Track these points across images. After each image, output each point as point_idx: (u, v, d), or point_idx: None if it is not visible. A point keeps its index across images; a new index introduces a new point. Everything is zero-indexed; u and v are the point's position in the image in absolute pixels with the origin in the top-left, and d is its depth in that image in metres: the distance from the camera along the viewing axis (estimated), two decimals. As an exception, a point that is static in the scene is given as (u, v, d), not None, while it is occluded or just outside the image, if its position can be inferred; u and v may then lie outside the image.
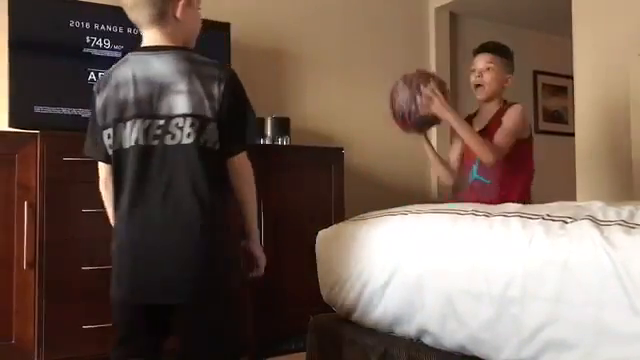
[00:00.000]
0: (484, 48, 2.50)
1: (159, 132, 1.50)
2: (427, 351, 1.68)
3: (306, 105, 3.64)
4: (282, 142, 3.16)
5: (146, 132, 1.50)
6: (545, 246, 1.39)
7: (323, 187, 3.07)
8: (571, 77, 3.50)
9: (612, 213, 1.40)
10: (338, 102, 3.77)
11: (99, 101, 1.57)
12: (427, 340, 1.70)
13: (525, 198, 2.40)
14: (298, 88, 3.63)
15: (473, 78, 2.49)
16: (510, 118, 2.39)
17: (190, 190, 1.49)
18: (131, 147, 1.51)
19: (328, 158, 3.13)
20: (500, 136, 2.36)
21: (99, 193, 1.65)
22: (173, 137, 1.50)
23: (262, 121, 3.16)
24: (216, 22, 2.90)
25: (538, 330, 1.37)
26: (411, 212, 1.89)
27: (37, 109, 2.59)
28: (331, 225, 2.28)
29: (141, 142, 1.50)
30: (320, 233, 2.23)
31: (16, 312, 2.33)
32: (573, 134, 3.43)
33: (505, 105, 2.49)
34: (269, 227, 2.82)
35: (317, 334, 2.10)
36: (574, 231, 1.37)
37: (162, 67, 1.52)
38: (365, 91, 3.88)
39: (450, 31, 4.31)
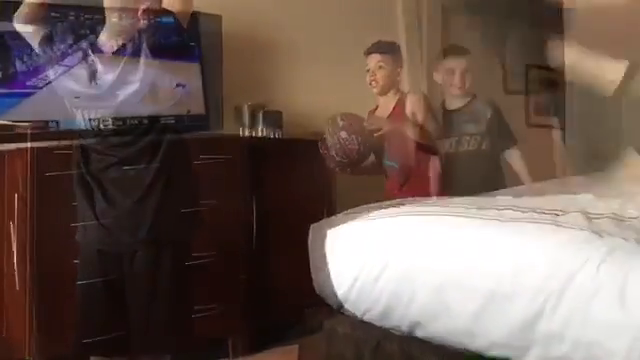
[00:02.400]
0: (373, 49, 2.71)
1: None
2: (419, 344, 1.69)
3: (298, 98, 3.62)
4: (274, 135, 3.15)
5: None
6: (536, 239, 1.40)
7: (315, 180, 3.07)
8: (563, 71, 3.50)
9: (602, 206, 1.41)
10: (331, 95, 3.75)
11: None
12: (419, 333, 1.71)
13: (438, 178, 2.58)
14: (290, 81, 3.62)
15: (368, 78, 2.70)
16: (417, 109, 2.56)
17: None
18: None
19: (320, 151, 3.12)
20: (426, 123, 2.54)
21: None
22: None
23: (254, 114, 3.16)
24: (208, 14, 2.87)
25: (529, 323, 1.38)
26: (403, 205, 1.89)
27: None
28: (323, 218, 2.28)
29: None
30: (312, 226, 2.23)
31: (7, 307, 2.32)
32: (564, 128, 3.45)
33: (403, 95, 2.68)
34: (261, 220, 2.82)
35: (309, 327, 2.10)
36: (565, 224, 1.38)
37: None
38: (358, 84, 3.85)
39: (442, 24, 4.30)
